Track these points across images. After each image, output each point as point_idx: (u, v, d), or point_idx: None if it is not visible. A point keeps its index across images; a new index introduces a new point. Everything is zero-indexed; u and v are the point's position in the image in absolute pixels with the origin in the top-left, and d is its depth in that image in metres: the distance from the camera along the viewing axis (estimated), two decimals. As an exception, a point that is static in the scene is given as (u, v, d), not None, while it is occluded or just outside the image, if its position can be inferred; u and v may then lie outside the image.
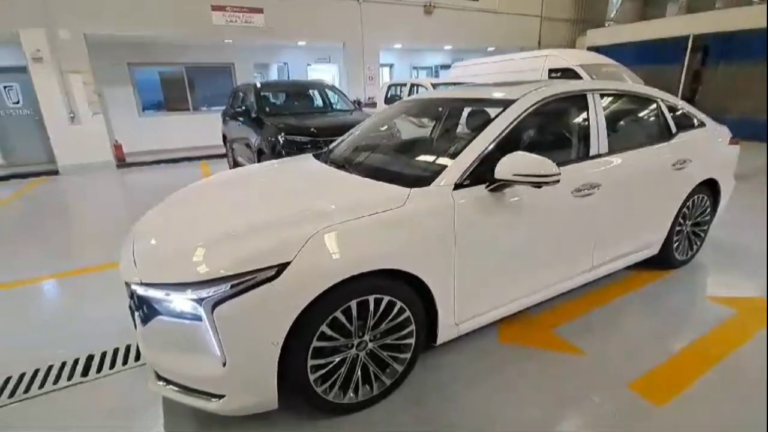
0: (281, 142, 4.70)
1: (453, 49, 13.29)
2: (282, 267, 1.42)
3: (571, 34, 14.28)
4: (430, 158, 2.28)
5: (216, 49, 10.30)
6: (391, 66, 13.91)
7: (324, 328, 1.55)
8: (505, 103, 2.10)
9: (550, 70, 8.37)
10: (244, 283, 1.39)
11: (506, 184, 1.82)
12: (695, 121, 2.99)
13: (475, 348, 2.19)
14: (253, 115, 5.59)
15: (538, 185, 1.76)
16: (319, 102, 6.57)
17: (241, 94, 6.86)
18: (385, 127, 2.88)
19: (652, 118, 2.78)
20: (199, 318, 1.42)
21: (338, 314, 1.56)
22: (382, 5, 10.42)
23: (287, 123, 5.04)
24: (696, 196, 2.91)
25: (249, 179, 2.46)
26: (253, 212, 1.77)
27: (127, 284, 1.60)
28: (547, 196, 2.03)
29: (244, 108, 5.93)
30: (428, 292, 1.76)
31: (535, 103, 2.10)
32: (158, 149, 9.98)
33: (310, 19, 9.60)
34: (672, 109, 2.85)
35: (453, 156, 1.92)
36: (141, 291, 1.53)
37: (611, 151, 2.38)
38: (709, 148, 2.97)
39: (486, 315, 2.04)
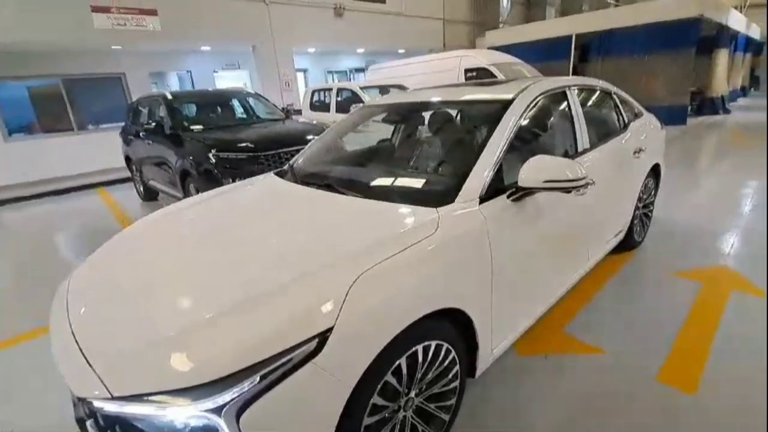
0: (212, 160, 4.11)
1: (366, 52, 13.28)
2: (324, 336, 1.07)
3: (471, 35, 15.19)
4: (440, 170, 2.05)
5: (101, 57, 8.88)
6: (305, 71, 13.42)
7: (376, 398, 1.23)
8: (503, 104, 1.98)
9: (466, 70, 8.74)
10: (278, 369, 1.00)
11: (530, 191, 1.69)
12: (636, 110, 3.22)
13: (499, 370, 2.03)
14: (168, 131, 4.83)
15: (568, 190, 1.65)
16: (241, 113, 5.96)
17: (144, 109, 5.94)
18: (366, 136, 2.58)
19: (611, 111, 2.91)
20: (213, 430, 0.99)
21: (389, 377, 1.25)
22: (291, 6, 9.94)
23: (216, 138, 4.43)
24: (647, 180, 3.13)
25: (219, 215, 1.97)
26: (255, 263, 1.36)
27: (82, 401, 1.10)
28: (556, 198, 1.94)
29: (153, 124, 5.11)
30: (469, 325, 1.53)
31: (531, 102, 2.01)
32: (38, 179, 8.28)
33: (213, 22, 8.76)
34: (623, 101, 3.03)
35: (467, 166, 1.71)
36: (112, 408, 1.04)
37: (592, 145, 2.41)
38: (651, 135, 3.21)
39: (516, 331, 1.89)
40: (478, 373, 1.70)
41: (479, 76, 8.48)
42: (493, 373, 2.00)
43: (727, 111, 12.01)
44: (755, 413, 1.69)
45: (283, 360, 1.01)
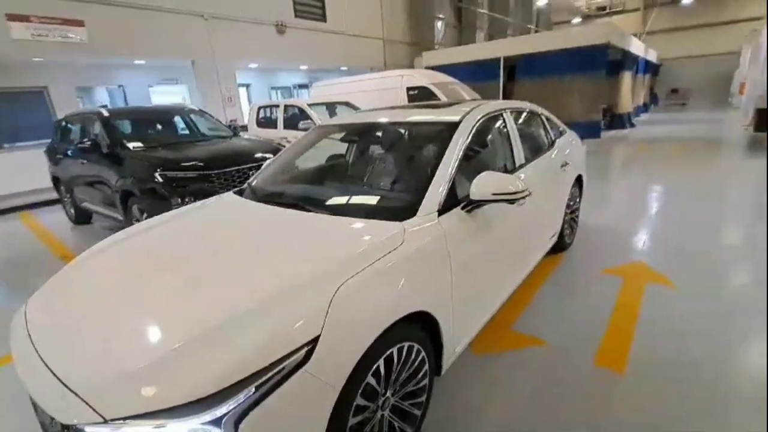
0: (159, 180, 3.97)
1: (309, 69, 13.38)
2: (312, 344, 1.17)
3: (410, 55, 15.91)
4: (400, 187, 2.23)
5: (20, 69, 8.12)
6: (248, 86, 13.20)
7: (359, 399, 1.34)
8: (452, 125, 2.22)
9: (408, 88, 9.18)
10: (271, 379, 1.09)
11: (480, 204, 1.92)
12: (561, 128, 3.67)
13: (459, 368, 2.22)
14: (105, 150, 4.59)
15: (512, 201, 1.91)
16: (185, 130, 5.78)
17: (75, 126, 5.58)
18: (324, 155, 2.70)
19: (540, 130, 3.30)
20: None
21: (369, 378, 1.37)
22: (231, 22, 9.83)
23: (161, 156, 4.29)
24: (573, 189, 3.57)
25: (187, 234, 1.99)
26: (239, 279, 1.43)
27: (67, 428, 1.10)
28: (503, 209, 2.20)
29: (88, 142, 4.80)
30: (435, 326, 1.70)
31: (476, 123, 2.28)
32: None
33: (147, 35, 8.41)
34: (548, 120, 3.44)
35: (424, 182, 1.91)
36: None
37: (527, 160, 2.73)
38: (574, 149, 3.67)
39: (472, 331, 2.10)
40: (444, 370, 1.87)
41: (420, 94, 8.94)
42: (454, 371, 2.19)
43: (632, 125, 13.67)
44: (672, 382, 2.03)
45: (276, 370, 1.10)
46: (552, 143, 3.32)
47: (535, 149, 3.04)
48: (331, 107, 7.81)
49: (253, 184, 2.57)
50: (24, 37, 6.92)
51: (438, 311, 1.68)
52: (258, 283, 1.37)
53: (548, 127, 3.37)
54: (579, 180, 3.73)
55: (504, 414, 1.91)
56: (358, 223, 1.75)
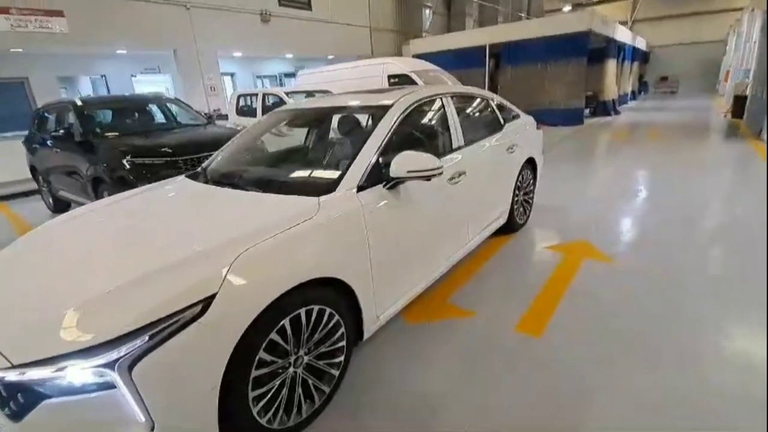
0: (127, 166, 4.10)
1: (295, 57, 13.38)
2: (208, 300, 1.31)
3: (397, 43, 15.89)
4: (327, 166, 2.38)
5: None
6: (232, 75, 13.21)
7: (262, 354, 1.49)
8: (383, 109, 2.35)
9: (389, 76, 9.25)
10: (166, 329, 1.23)
11: (401, 180, 2.07)
12: (513, 114, 3.81)
13: (388, 336, 2.39)
14: (78, 138, 4.69)
15: (428, 178, 2.05)
16: (161, 118, 5.88)
17: (51, 116, 5.67)
18: (265, 138, 2.85)
19: (488, 114, 3.43)
20: (110, 386, 1.19)
21: (274, 335, 1.53)
22: (214, 11, 9.82)
23: (131, 144, 4.40)
24: (524, 172, 3.72)
25: (125, 211, 2.16)
26: (156, 247, 1.60)
27: None
28: (431, 187, 2.35)
29: (62, 131, 4.92)
30: (351, 293, 1.86)
31: (408, 107, 2.41)
32: None
33: (129, 25, 8.43)
34: (499, 106, 3.58)
35: (349, 161, 2.06)
36: (12, 377, 1.20)
37: (466, 143, 2.87)
38: (526, 134, 3.81)
39: (400, 301, 2.26)
40: (366, 336, 2.04)
41: (401, 81, 9.02)
42: (383, 337, 2.36)
43: (617, 113, 13.79)
44: (583, 345, 2.21)
45: (171, 321, 1.25)
46: (500, 127, 3.45)
47: (479, 132, 3.18)
48: (310, 96, 7.90)
49: (204, 167, 2.72)
50: (4, 28, 6.95)
51: (353, 280, 1.84)
52: (171, 250, 1.52)
53: (498, 111, 3.50)
54: (531, 163, 3.87)
55: (421, 375, 2.08)
56: (279, 199, 1.90)
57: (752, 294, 2.59)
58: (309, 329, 1.69)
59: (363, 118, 2.61)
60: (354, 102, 2.70)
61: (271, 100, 7.77)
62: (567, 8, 24.10)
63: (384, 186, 2.06)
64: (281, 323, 1.55)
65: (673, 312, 2.45)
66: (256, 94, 7.83)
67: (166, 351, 1.24)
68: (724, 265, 3.09)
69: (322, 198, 1.84)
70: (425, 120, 2.76)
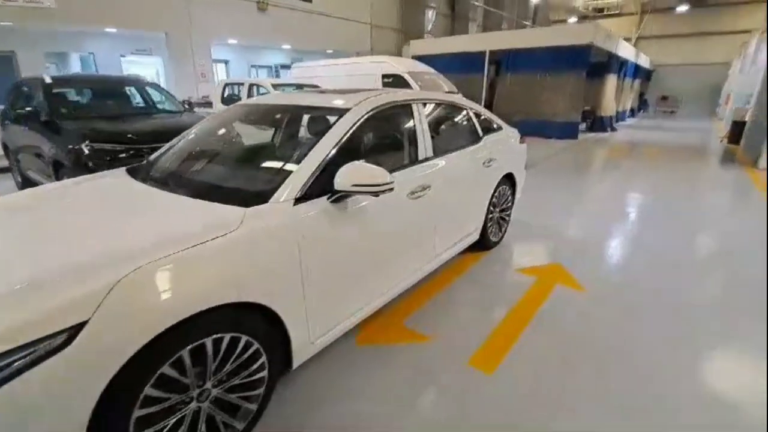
0: (86, 151, 3.88)
1: (292, 48, 13.13)
2: (76, 329, 1.11)
3: (398, 42, 15.68)
4: (266, 171, 2.17)
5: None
6: (226, 62, 12.94)
7: (149, 390, 1.29)
8: (340, 112, 2.16)
9: (383, 75, 9.06)
10: (16, 362, 1.04)
11: (347, 194, 1.87)
12: (495, 125, 3.62)
13: (332, 357, 2.21)
14: (44, 117, 4.46)
15: (376, 194, 1.86)
16: (139, 102, 5.65)
17: (24, 92, 5.41)
18: (216, 134, 2.63)
19: (464, 124, 3.25)
20: None
21: (167, 369, 1.32)
22: (209, -4, 9.57)
23: (94, 128, 4.18)
24: (501, 187, 3.53)
25: (37, 206, 1.94)
26: (36, 256, 1.39)
27: None
28: (387, 202, 2.16)
29: (30, 109, 4.68)
30: (277, 317, 1.66)
31: (368, 112, 2.22)
32: None
33: (119, 3, 8.16)
34: (478, 116, 3.39)
35: (290, 169, 1.87)
36: None
37: (436, 154, 2.69)
38: (506, 148, 3.63)
39: (342, 324, 2.07)
40: (296, 364, 1.84)
41: (394, 82, 8.82)
42: (326, 361, 2.17)
43: (614, 129, 13.66)
44: (533, 388, 2.03)
45: (23, 354, 1.05)
46: (479, 139, 3.27)
47: (453, 144, 2.99)
48: (299, 89, 7.68)
49: (150, 159, 2.52)
50: (-14, -3, 6.69)
51: (279, 303, 1.64)
52: (50, 261, 1.32)
53: (476, 122, 3.31)
54: (511, 178, 3.69)
55: (356, 407, 1.90)
56: (202, 207, 1.70)
57: (737, 331, 2.43)
58: (218, 360, 1.49)
59: (314, 122, 2.41)
60: (311, 102, 2.50)
61: (259, 91, 7.54)
62: (573, 20, 23.99)
63: (328, 199, 1.86)
64: (178, 354, 1.35)
65: (641, 353, 2.28)
66: (243, 84, 7.60)
67: (20, 385, 1.04)
68: (707, 299, 2.92)
69: (250, 209, 1.64)
70: (389, 127, 2.57)
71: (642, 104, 22.01)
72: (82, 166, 3.91)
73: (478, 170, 3.14)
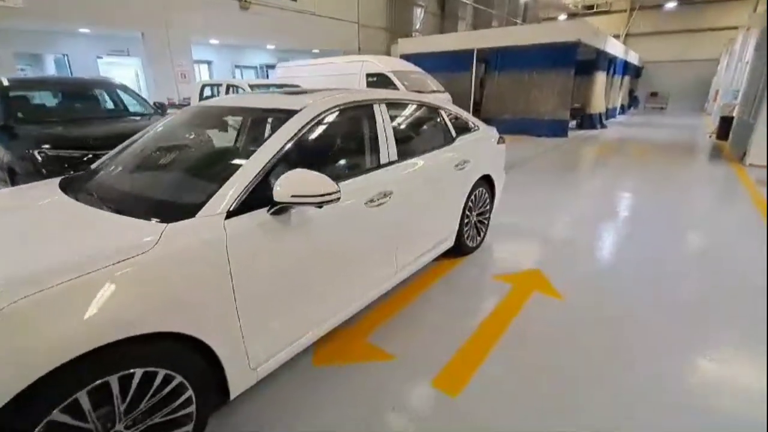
0: (39, 158, 3.66)
1: (277, 48, 12.90)
2: None
3: (387, 41, 15.49)
4: (198, 181, 1.97)
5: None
6: (209, 63, 12.67)
7: None
8: (287, 114, 1.98)
9: (368, 75, 8.88)
10: None
11: (288, 206, 1.69)
12: (470, 125, 3.45)
13: (284, 380, 2.03)
14: (0, 122, 4.24)
15: (320, 205, 1.68)
16: (106, 105, 5.42)
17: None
18: (157, 141, 2.40)
19: (435, 125, 3.07)
20: None
21: (58, 414, 1.14)
22: (187, -6, 9.32)
23: (51, 133, 3.97)
24: (477, 190, 3.36)
25: None
26: None
27: None
28: (341, 212, 1.98)
29: (-15, 113, 4.45)
30: (206, 345, 1.47)
31: (319, 114, 2.03)
32: None
33: (91, 1, 7.89)
34: (451, 116, 3.22)
35: (225, 178, 1.67)
36: None
37: (401, 157, 2.51)
38: (483, 149, 3.46)
39: (291, 347, 1.89)
40: (235, 394, 1.66)
41: (378, 81, 8.65)
42: (275, 385, 1.99)
43: (604, 126, 13.58)
44: (501, 414, 1.86)
45: None
46: (451, 140, 3.10)
47: (421, 146, 2.82)
48: (278, 89, 7.49)
49: (93, 167, 2.32)
50: (-55, -5, 6.41)
51: (207, 330, 1.45)
52: None
53: (448, 123, 3.14)
54: (489, 180, 3.53)
55: (305, 440, 1.72)
56: (118, 224, 1.51)
57: (724, 340, 2.27)
58: (128, 399, 1.30)
59: (259, 125, 2.22)
60: (258, 104, 2.31)
61: (237, 92, 7.32)
62: (563, 17, 23.93)
63: (268, 211, 1.67)
64: (73, 397, 1.16)
65: (619, 368, 2.12)
66: (221, 84, 7.38)
67: None
68: (694, 306, 2.77)
69: (171, 225, 1.45)
70: (346, 130, 2.38)
71: (632, 101, 22.01)
72: (36, 174, 3.70)
73: (450, 173, 2.97)
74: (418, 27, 15.58)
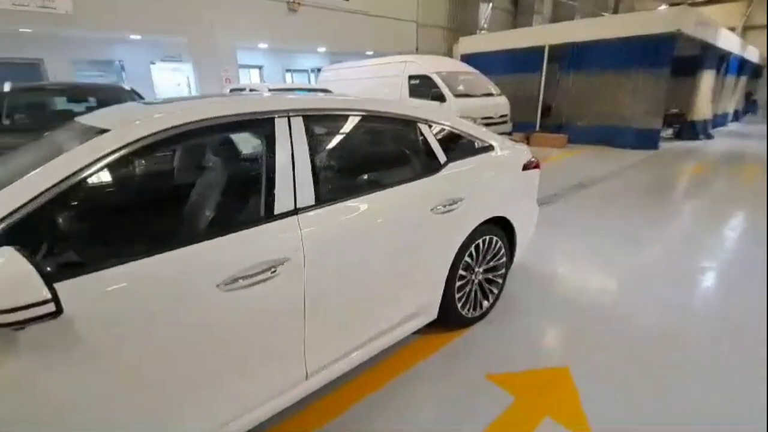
0: None
1: (328, 51, 12.51)
2: None
3: (448, 40, 14.39)
4: None
5: (15, 40, 8.17)
6: (260, 68, 12.67)
7: None
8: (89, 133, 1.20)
9: (410, 77, 7.99)
10: None
11: None
12: (477, 145, 2.41)
13: None
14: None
15: (20, 327, 0.86)
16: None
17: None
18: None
19: (406, 148, 2.11)
20: None
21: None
22: (233, -2, 9.20)
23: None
24: (482, 239, 2.32)
25: None
26: None
27: None
28: (168, 302, 1.15)
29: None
30: None
31: (139, 140, 1.22)
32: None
33: (137, 8, 8.03)
34: (441, 133, 2.22)
35: None
36: None
37: (323, 200, 1.61)
38: (494, 179, 2.40)
39: None
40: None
41: (421, 84, 7.70)
42: None
43: (709, 137, 11.11)
44: None
45: None
46: (434, 169, 2.11)
47: (369, 180, 1.89)
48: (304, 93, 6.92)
49: None
50: (4, 6, 6.80)
51: None
52: None
53: (432, 143, 2.15)
54: (504, 225, 2.45)
55: None
56: None
57: None
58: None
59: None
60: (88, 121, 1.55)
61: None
62: (663, 8, 20.74)
63: None
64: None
65: None
66: (244, 89, 7.02)
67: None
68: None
69: None
70: (205, 163, 1.54)
71: (749, 106, 18.28)
72: None
73: (425, 218, 1.99)
74: (483, 24, 14.24)
